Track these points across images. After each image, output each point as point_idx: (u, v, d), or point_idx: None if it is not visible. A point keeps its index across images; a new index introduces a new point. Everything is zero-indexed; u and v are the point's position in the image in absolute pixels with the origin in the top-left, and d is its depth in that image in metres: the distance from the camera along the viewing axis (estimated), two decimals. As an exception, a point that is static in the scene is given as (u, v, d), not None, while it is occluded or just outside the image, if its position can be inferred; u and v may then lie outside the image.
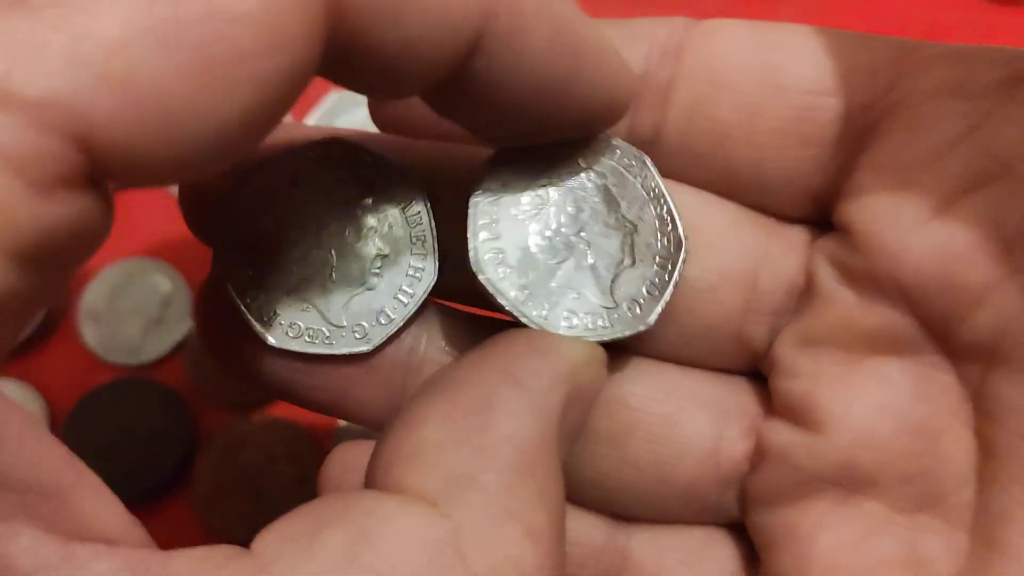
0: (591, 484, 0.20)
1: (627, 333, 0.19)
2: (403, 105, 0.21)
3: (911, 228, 0.18)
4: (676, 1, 0.29)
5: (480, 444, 0.15)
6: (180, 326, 0.35)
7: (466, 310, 0.21)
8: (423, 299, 0.19)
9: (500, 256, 0.19)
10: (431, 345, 0.20)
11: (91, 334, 0.35)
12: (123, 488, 0.13)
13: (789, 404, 0.19)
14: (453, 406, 0.15)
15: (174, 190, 0.20)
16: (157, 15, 0.12)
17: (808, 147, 0.19)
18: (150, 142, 0.12)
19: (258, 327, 0.19)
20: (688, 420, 0.20)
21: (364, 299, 0.19)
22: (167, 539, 0.13)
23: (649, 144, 0.20)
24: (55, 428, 0.34)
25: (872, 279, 0.18)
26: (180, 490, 0.33)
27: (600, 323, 0.19)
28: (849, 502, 0.19)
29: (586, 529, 0.21)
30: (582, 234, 0.19)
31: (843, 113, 0.19)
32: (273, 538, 0.13)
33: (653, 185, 0.20)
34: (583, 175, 0.20)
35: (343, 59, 0.14)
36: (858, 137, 0.19)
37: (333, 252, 0.19)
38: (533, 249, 0.19)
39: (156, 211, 0.32)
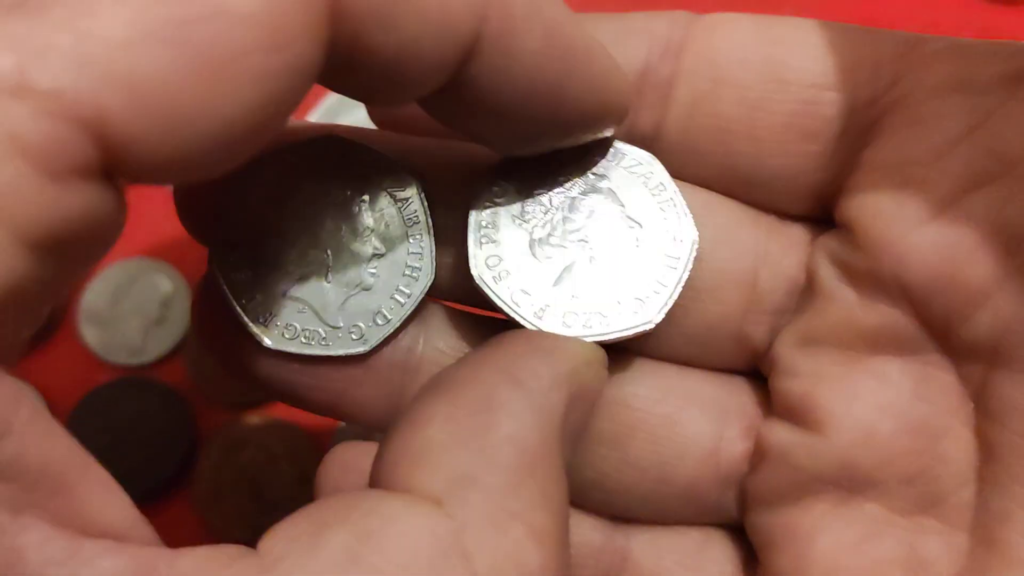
0: (591, 485, 0.20)
1: (629, 332, 0.19)
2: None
3: (913, 226, 0.18)
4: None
5: (482, 444, 0.15)
6: (180, 326, 0.35)
7: (463, 309, 0.21)
8: (420, 299, 0.19)
9: (499, 260, 0.19)
10: (429, 345, 0.20)
11: (91, 334, 0.35)
12: (123, 488, 0.13)
13: (789, 404, 0.19)
14: (456, 406, 0.15)
15: (173, 190, 0.20)
16: (160, 15, 0.12)
17: (810, 142, 0.19)
18: (156, 138, 0.12)
19: (254, 328, 0.19)
20: (688, 420, 0.20)
21: (361, 299, 0.19)
22: (168, 539, 0.13)
23: (650, 141, 0.20)
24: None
25: (873, 278, 0.18)
26: (180, 490, 0.33)
27: (601, 323, 0.19)
28: (849, 503, 0.19)
29: (585, 530, 0.21)
30: (584, 236, 0.20)
31: (846, 108, 0.19)
32: (278, 538, 0.13)
33: (660, 184, 0.20)
34: (586, 179, 0.20)
35: (344, 62, 0.14)
36: (861, 133, 0.19)
37: (329, 252, 0.19)
38: (533, 253, 0.19)
39: (156, 211, 0.32)
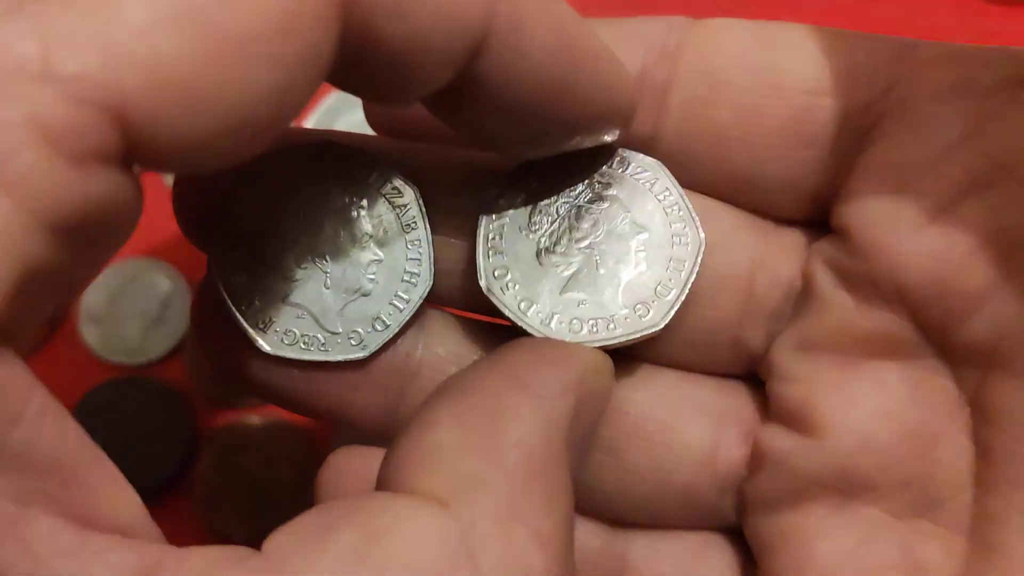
0: (589, 490, 0.20)
1: (635, 337, 0.19)
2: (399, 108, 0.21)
3: (910, 231, 0.18)
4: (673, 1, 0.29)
5: (489, 448, 0.15)
6: (180, 326, 0.35)
7: (463, 315, 0.21)
8: (419, 304, 0.19)
9: (506, 272, 0.19)
10: (427, 350, 0.20)
11: (91, 334, 0.35)
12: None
13: (787, 409, 0.19)
14: (464, 411, 0.16)
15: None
16: (178, 1, 0.12)
17: (807, 147, 0.19)
18: (175, 121, 0.12)
19: (253, 334, 0.19)
20: (685, 425, 0.20)
21: (359, 305, 0.19)
22: (167, 539, 0.13)
23: (647, 146, 0.20)
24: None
25: (870, 282, 0.18)
26: (179, 490, 0.33)
27: (607, 328, 0.19)
28: (847, 507, 0.19)
29: (584, 535, 0.21)
30: (591, 243, 0.20)
31: (842, 113, 0.19)
32: (285, 538, 0.13)
33: (666, 188, 0.20)
34: (592, 187, 0.20)
35: (355, 53, 0.14)
36: (857, 138, 0.19)
37: (328, 258, 0.19)
38: (540, 262, 0.20)
39: (156, 211, 0.32)
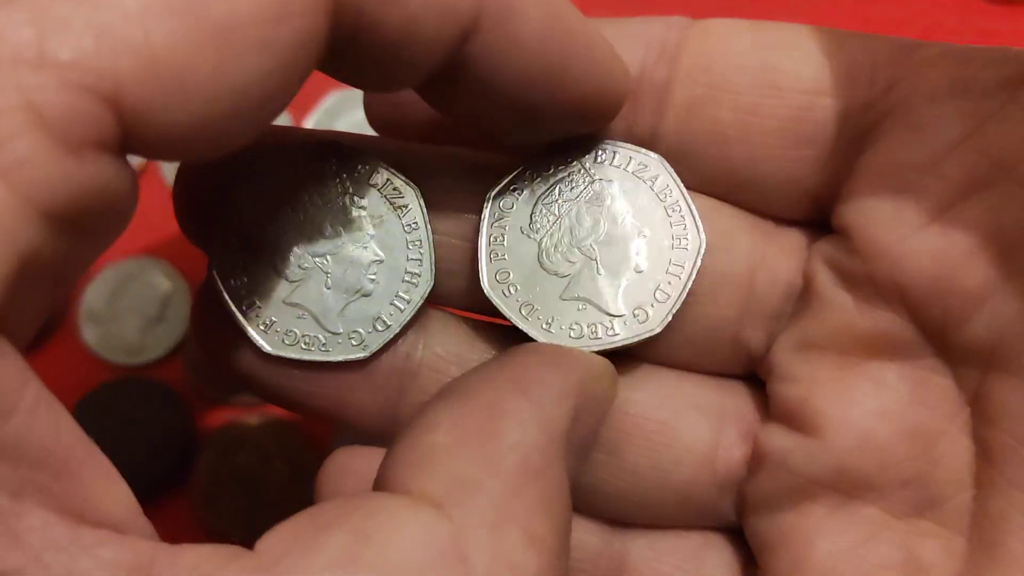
0: (588, 490, 0.20)
1: (634, 340, 0.19)
2: (399, 107, 0.21)
3: (910, 231, 0.18)
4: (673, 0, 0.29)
5: (486, 450, 0.15)
6: (180, 326, 0.35)
7: (463, 315, 0.21)
8: (419, 305, 0.19)
9: (508, 275, 0.20)
10: (428, 351, 0.20)
11: (91, 334, 0.35)
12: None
13: (787, 409, 0.19)
14: (462, 413, 0.16)
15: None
16: None
17: (806, 147, 0.19)
18: (169, 105, 0.12)
19: (253, 334, 0.19)
20: (685, 425, 0.20)
21: (360, 305, 0.19)
22: (165, 538, 0.13)
23: (646, 146, 0.20)
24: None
25: (870, 283, 0.18)
26: (178, 489, 0.33)
27: (606, 332, 0.19)
28: (847, 507, 0.19)
29: (583, 534, 0.21)
30: (591, 245, 0.20)
31: (842, 113, 0.19)
32: (278, 538, 0.13)
33: (667, 187, 0.20)
34: (592, 186, 0.20)
35: (347, 40, 0.14)
36: (857, 138, 0.19)
37: (329, 258, 0.19)
38: (541, 265, 0.20)
39: (156, 211, 0.32)
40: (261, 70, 0.13)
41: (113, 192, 0.13)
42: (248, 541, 0.13)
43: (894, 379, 0.19)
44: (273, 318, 0.19)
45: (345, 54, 0.15)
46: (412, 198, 0.20)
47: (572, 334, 0.19)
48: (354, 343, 0.19)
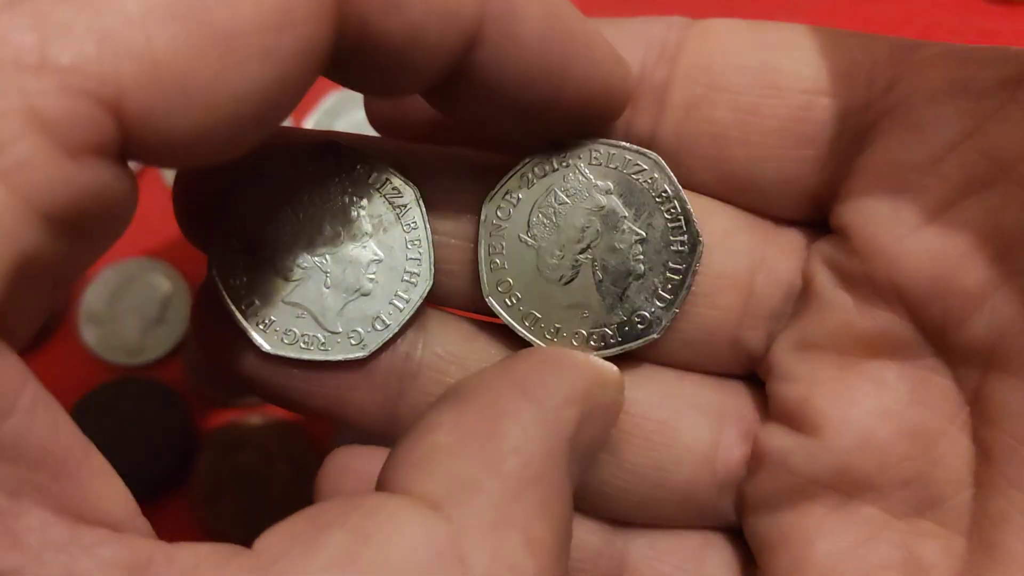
0: (588, 489, 0.20)
1: (635, 345, 0.19)
2: (399, 107, 0.21)
3: (909, 231, 0.18)
4: (673, 0, 0.29)
5: (487, 452, 0.15)
6: (180, 326, 0.35)
7: (463, 315, 0.21)
8: (419, 304, 0.19)
9: (510, 286, 0.20)
10: (427, 350, 0.20)
11: (91, 334, 0.35)
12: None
13: (786, 408, 0.19)
14: (464, 415, 0.16)
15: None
16: None
17: (806, 147, 0.19)
18: (170, 112, 0.12)
19: (253, 333, 0.19)
20: (685, 425, 0.20)
21: (360, 305, 0.19)
22: (165, 538, 0.13)
23: (645, 146, 0.20)
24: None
25: (869, 283, 0.18)
26: (178, 489, 0.33)
27: (605, 339, 0.20)
28: (846, 507, 0.19)
29: (583, 534, 0.21)
30: (590, 251, 0.20)
31: (841, 113, 0.19)
32: (277, 537, 0.13)
33: (664, 188, 0.20)
34: (590, 191, 0.20)
35: (352, 47, 0.14)
36: (856, 138, 0.19)
37: (328, 258, 0.19)
38: (541, 272, 0.20)
39: (156, 211, 0.32)
40: (263, 77, 0.13)
41: (113, 196, 0.13)
42: (248, 542, 0.13)
43: (894, 379, 0.19)
44: (272, 317, 0.19)
45: (349, 62, 0.15)
46: (411, 198, 0.20)
47: (575, 341, 0.20)
48: (353, 342, 0.19)
